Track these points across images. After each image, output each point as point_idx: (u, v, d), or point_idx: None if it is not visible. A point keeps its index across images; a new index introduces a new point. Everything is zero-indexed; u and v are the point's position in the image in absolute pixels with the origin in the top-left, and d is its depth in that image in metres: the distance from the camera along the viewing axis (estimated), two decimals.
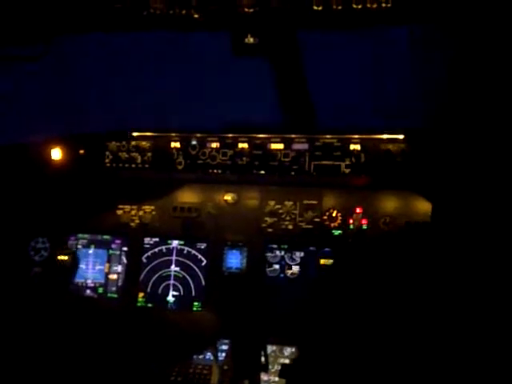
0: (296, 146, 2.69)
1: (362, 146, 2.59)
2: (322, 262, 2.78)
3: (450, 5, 1.98)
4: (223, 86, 2.51)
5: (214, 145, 2.78)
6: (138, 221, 3.05)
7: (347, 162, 2.61)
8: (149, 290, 2.98)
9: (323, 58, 2.34)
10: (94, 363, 1.68)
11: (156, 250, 3.01)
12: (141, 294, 2.98)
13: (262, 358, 2.41)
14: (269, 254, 2.87)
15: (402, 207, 2.73)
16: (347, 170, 2.61)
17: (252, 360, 2.42)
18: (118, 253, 3.06)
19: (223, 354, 2.65)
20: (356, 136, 2.60)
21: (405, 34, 2.06)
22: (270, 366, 2.52)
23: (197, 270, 2.95)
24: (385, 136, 2.55)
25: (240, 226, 2.92)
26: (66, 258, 2.84)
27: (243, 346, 2.45)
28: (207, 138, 2.79)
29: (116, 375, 1.70)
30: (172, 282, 2.97)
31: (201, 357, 2.74)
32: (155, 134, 2.85)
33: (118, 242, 3.06)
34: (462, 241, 1.10)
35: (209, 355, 2.69)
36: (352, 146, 2.60)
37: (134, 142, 2.87)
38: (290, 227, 2.87)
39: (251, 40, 2.38)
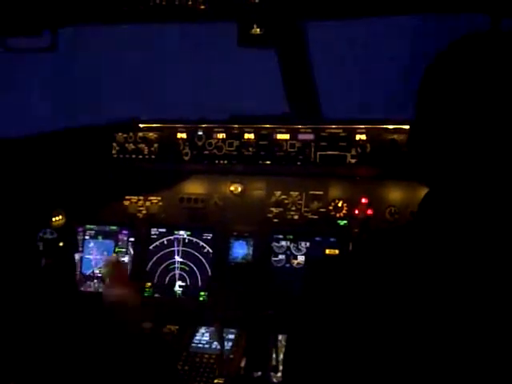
0: (302, 137, 2.70)
1: (367, 136, 2.60)
2: (328, 251, 2.79)
3: None
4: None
5: (220, 135, 2.80)
6: (144, 211, 3.06)
7: (353, 153, 2.62)
8: (156, 280, 3.01)
9: None
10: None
11: (163, 240, 3.03)
12: (148, 284, 3.01)
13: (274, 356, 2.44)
14: (274, 244, 2.88)
15: (408, 197, 2.73)
16: (353, 161, 2.62)
17: (264, 352, 2.45)
18: (125, 243, 3.08)
19: (229, 344, 2.68)
20: (362, 126, 2.61)
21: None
22: (275, 355, 2.53)
23: (203, 260, 2.97)
24: (390, 126, 2.56)
25: (246, 217, 2.93)
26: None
27: (255, 337, 2.47)
28: (213, 128, 2.81)
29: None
30: (178, 272, 2.99)
31: (207, 346, 2.76)
32: (161, 125, 2.87)
33: (125, 232, 3.08)
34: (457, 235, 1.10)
35: (215, 344, 2.71)
36: (358, 137, 2.62)
37: (140, 134, 2.89)
38: (296, 217, 2.88)
39: (257, 31, 2.38)
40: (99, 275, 3.07)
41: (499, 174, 1.05)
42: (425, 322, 1.01)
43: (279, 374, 2.60)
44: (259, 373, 2.43)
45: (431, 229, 1.10)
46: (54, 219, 2.92)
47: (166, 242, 3.02)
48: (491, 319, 0.99)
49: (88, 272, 3.08)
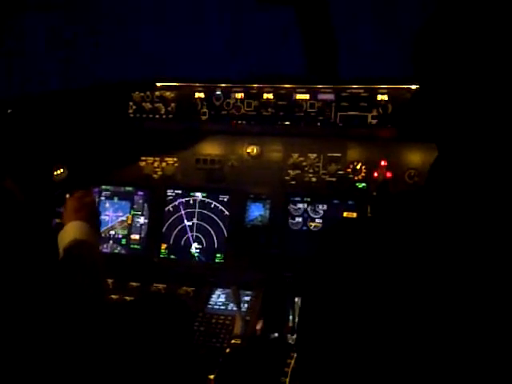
0: (322, 97, 2.65)
1: (389, 97, 2.55)
2: (346, 214, 2.77)
3: None
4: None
5: (239, 95, 2.75)
6: (160, 172, 3.04)
7: (374, 113, 2.58)
8: (171, 241, 3.00)
9: None
10: None
11: (179, 201, 3.01)
12: (163, 246, 3.00)
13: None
14: (291, 207, 2.86)
15: (428, 160, 2.68)
16: (374, 121, 2.58)
17: (281, 314, 2.46)
18: (140, 205, 3.06)
19: (246, 305, 2.68)
20: (383, 86, 2.56)
21: None
22: (291, 317, 2.53)
23: (219, 222, 2.95)
24: (413, 86, 2.51)
25: (263, 179, 2.91)
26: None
27: (272, 299, 2.48)
28: (232, 88, 2.76)
29: None
30: (195, 233, 2.97)
31: (223, 307, 2.77)
32: (179, 84, 2.83)
33: (140, 193, 3.07)
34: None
35: (231, 305, 2.71)
36: (379, 97, 2.56)
37: (157, 93, 2.85)
38: (314, 180, 2.85)
39: None
40: (115, 236, 3.07)
41: (508, 133, 1.02)
42: (434, 286, 1.00)
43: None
44: (276, 334, 2.44)
45: (438, 193, 1.09)
46: (55, 173, 2.82)
47: (182, 204, 3.00)
48: (498, 286, 0.97)
49: (103, 233, 3.06)
